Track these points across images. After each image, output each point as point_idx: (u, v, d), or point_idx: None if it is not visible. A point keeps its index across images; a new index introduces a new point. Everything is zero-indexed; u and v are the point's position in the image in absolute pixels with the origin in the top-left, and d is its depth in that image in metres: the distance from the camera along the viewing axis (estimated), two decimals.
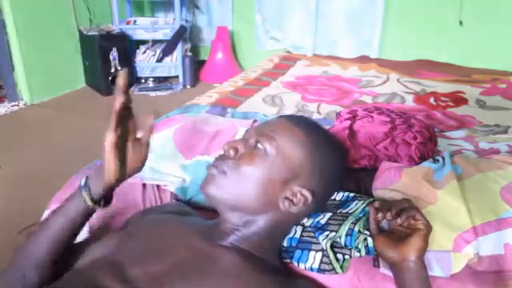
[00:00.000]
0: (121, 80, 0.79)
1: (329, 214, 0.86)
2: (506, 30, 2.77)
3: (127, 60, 3.30)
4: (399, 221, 0.74)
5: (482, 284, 0.79)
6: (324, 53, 3.12)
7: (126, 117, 0.79)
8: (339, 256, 0.81)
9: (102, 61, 3.13)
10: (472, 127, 1.59)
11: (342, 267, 0.81)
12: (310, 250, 0.83)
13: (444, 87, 2.11)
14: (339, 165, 0.84)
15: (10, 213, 1.74)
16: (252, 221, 0.79)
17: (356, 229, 0.82)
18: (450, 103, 1.89)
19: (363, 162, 1.04)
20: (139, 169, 0.80)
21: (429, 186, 0.87)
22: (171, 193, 1.08)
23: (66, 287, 0.73)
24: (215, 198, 0.79)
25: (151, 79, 3.52)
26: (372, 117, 1.11)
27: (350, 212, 0.87)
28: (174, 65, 3.48)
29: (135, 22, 3.50)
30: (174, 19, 3.44)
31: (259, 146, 0.78)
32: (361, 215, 0.85)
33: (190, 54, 3.51)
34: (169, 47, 3.42)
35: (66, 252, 0.82)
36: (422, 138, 1.05)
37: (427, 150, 1.06)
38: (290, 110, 1.79)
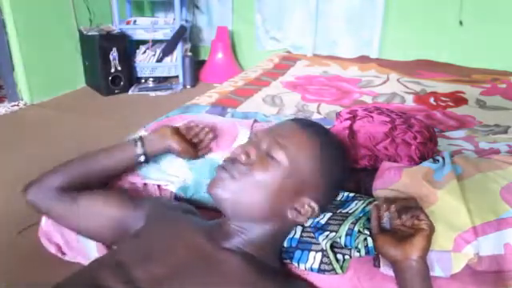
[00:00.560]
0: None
1: (329, 214, 0.86)
2: (506, 30, 2.77)
3: (127, 60, 3.30)
4: (404, 218, 0.74)
5: (482, 284, 0.79)
6: (324, 53, 3.11)
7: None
8: (339, 256, 0.81)
9: (101, 61, 3.13)
10: (472, 127, 1.59)
11: (341, 267, 0.81)
12: (309, 250, 0.83)
13: (444, 87, 2.11)
14: (345, 172, 0.87)
15: (10, 213, 1.74)
16: (256, 226, 0.79)
17: (356, 229, 0.82)
18: (450, 103, 1.89)
19: (363, 162, 1.04)
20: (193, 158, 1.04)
21: (429, 186, 0.87)
22: (171, 192, 1.08)
23: (71, 286, 0.72)
24: (222, 202, 0.79)
25: (151, 79, 3.52)
26: (372, 117, 1.11)
27: (349, 212, 0.87)
28: (173, 65, 3.48)
29: (135, 22, 3.50)
30: (174, 19, 3.44)
31: (273, 154, 0.77)
32: (361, 215, 0.85)
33: (190, 53, 3.51)
34: (169, 47, 3.42)
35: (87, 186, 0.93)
36: (422, 138, 1.05)
37: (427, 149, 1.06)
38: (289, 110, 1.79)
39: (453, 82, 2.22)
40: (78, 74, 3.37)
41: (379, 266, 0.81)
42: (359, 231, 0.81)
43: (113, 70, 3.20)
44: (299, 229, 0.86)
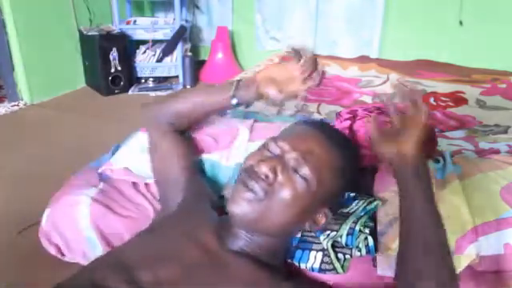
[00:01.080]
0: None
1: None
2: (506, 30, 2.77)
3: (127, 60, 3.30)
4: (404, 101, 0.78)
5: (482, 284, 0.79)
6: (324, 53, 3.11)
7: None
8: (340, 256, 0.81)
9: (102, 61, 3.13)
10: (472, 127, 1.59)
11: (342, 267, 0.81)
12: (310, 249, 0.83)
13: (444, 87, 2.11)
14: (358, 174, 0.88)
15: (10, 213, 1.74)
16: (265, 239, 0.78)
17: (357, 228, 0.82)
18: (450, 103, 1.89)
19: (363, 162, 1.04)
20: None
21: None
22: None
23: (72, 286, 0.72)
24: (243, 221, 0.75)
25: (151, 79, 3.52)
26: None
27: (350, 212, 0.87)
28: (173, 65, 3.48)
29: (135, 21, 3.50)
30: (174, 19, 3.44)
31: (301, 172, 0.74)
32: (362, 214, 0.85)
33: (190, 53, 3.51)
34: (169, 47, 3.42)
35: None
36: None
37: (427, 149, 1.06)
38: (290, 110, 1.79)
39: (453, 81, 2.22)
40: (78, 74, 3.37)
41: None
42: (360, 230, 0.82)
43: (113, 70, 3.20)
44: None
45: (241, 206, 0.74)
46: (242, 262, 0.75)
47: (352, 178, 0.83)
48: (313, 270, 0.82)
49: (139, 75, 3.47)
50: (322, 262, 0.81)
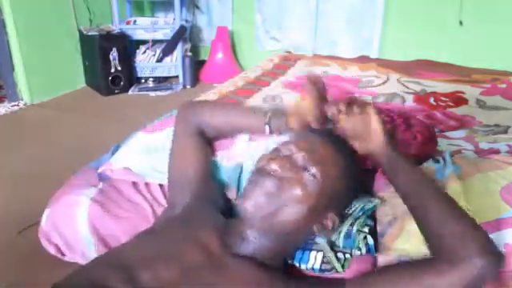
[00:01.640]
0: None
1: None
2: (506, 30, 2.77)
3: (127, 60, 3.30)
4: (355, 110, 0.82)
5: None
6: (324, 53, 3.11)
7: None
8: (340, 255, 0.81)
9: (102, 61, 3.13)
10: (472, 127, 1.59)
11: (343, 266, 0.81)
12: (310, 250, 0.83)
13: (444, 87, 2.11)
14: (360, 181, 0.90)
15: (10, 213, 1.74)
16: (272, 239, 0.79)
17: (354, 229, 0.82)
18: (450, 103, 1.89)
19: (364, 164, 1.04)
20: None
21: None
22: None
23: (72, 286, 0.72)
24: (252, 216, 0.77)
25: (151, 79, 3.52)
26: None
27: (349, 212, 0.87)
28: (174, 65, 3.48)
29: (135, 22, 3.50)
30: (174, 19, 3.44)
31: (310, 169, 0.77)
32: (359, 215, 0.86)
33: (190, 53, 3.51)
34: (169, 47, 3.42)
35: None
36: (422, 138, 1.05)
37: (427, 149, 1.06)
38: None
39: (453, 81, 2.22)
40: (78, 74, 3.37)
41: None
42: (359, 230, 0.82)
43: (113, 70, 3.20)
44: None
45: (254, 202, 0.77)
46: (244, 264, 0.75)
47: (355, 179, 0.85)
48: (313, 270, 0.82)
49: (139, 75, 3.48)
50: (322, 262, 0.81)
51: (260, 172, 0.79)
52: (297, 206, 0.76)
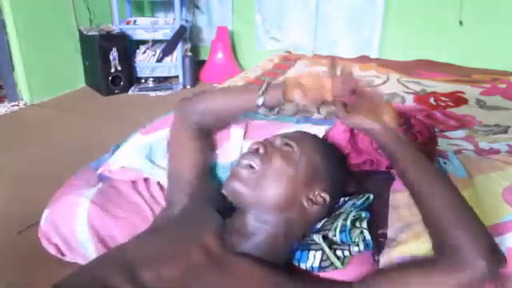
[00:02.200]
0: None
1: (324, 220, 0.88)
2: (506, 30, 2.76)
3: (127, 60, 3.30)
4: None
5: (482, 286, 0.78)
6: (324, 53, 3.11)
7: None
8: (339, 253, 0.82)
9: (102, 61, 3.13)
10: (472, 127, 1.59)
11: (342, 263, 0.81)
12: (309, 249, 0.83)
13: (444, 87, 2.11)
14: (346, 174, 0.94)
15: (10, 213, 1.74)
16: (270, 221, 0.80)
17: (348, 223, 0.82)
18: (450, 103, 1.89)
19: (364, 167, 1.03)
20: None
21: None
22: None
23: (74, 285, 0.72)
24: (240, 194, 0.81)
25: (151, 79, 3.52)
26: None
27: (340, 211, 0.88)
28: (174, 65, 3.48)
29: (135, 22, 3.49)
30: (174, 19, 3.44)
31: (290, 143, 0.84)
32: (352, 209, 0.86)
33: (190, 53, 3.51)
34: (169, 47, 3.42)
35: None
36: (422, 138, 1.05)
37: (427, 150, 1.05)
38: (289, 111, 1.79)
39: (453, 82, 2.22)
40: (78, 74, 3.37)
41: (379, 260, 0.81)
42: (353, 224, 0.82)
43: (113, 70, 3.20)
44: None
45: (235, 181, 0.82)
46: (245, 262, 0.75)
47: (338, 172, 0.90)
48: (312, 268, 0.82)
49: (139, 75, 3.47)
50: (322, 260, 0.81)
51: (243, 155, 0.86)
52: (280, 177, 0.81)
